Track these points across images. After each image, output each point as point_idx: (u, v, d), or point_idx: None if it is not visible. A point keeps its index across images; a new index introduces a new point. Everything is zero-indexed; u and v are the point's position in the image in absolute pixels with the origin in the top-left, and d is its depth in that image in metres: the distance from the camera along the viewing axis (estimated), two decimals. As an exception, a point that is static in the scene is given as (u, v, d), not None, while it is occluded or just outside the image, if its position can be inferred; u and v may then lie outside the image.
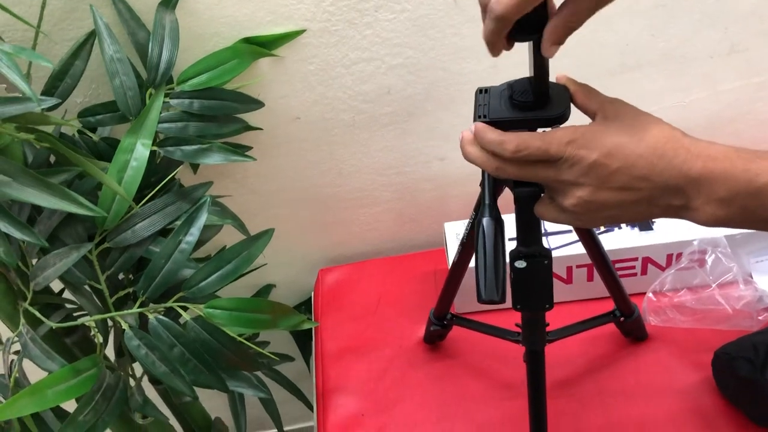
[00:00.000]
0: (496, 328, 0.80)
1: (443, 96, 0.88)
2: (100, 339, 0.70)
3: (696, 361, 0.81)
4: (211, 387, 0.71)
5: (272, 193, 0.95)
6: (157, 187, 0.71)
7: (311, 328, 1.00)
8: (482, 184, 0.58)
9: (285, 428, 1.04)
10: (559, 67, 0.89)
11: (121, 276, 0.77)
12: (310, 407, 0.98)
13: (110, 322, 0.75)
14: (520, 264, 0.59)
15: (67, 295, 0.77)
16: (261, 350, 0.71)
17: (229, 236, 0.83)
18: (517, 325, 0.78)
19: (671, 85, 0.89)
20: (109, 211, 0.68)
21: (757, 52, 0.87)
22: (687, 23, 0.83)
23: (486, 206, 0.55)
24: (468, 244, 0.72)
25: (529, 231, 0.60)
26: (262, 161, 0.91)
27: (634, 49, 0.85)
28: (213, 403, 1.03)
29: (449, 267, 0.85)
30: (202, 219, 0.69)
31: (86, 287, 0.71)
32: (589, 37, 0.83)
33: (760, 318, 0.78)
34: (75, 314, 0.77)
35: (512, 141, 0.52)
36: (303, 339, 1.08)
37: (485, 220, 0.54)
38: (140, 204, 0.70)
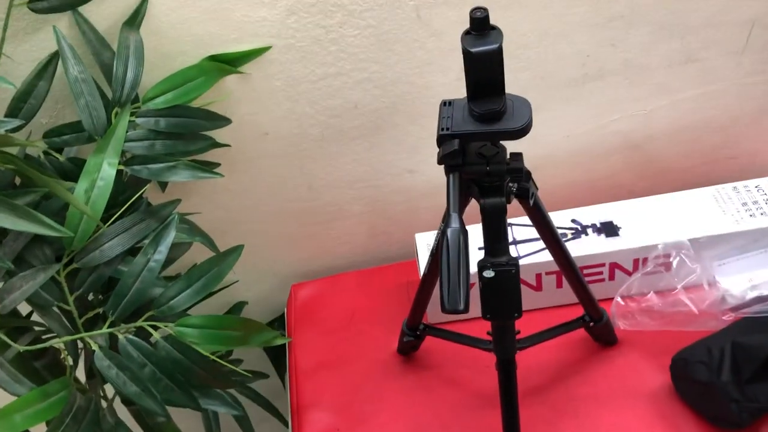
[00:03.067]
0: (467, 336, 0.81)
1: (410, 109, 0.88)
2: (69, 361, 0.69)
3: (665, 364, 0.82)
4: (183, 406, 0.70)
5: (242, 209, 0.95)
6: (125, 206, 0.71)
7: (285, 345, 1.00)
8: (447, 195, 0.59)
9: (261, 447, 1.03)
10: (521, 79, 0.91)
11: (90, 297, 0.77)
12: (286, 424, 0.98)
13: (80, 344, 0.74)
14: (489, 273, 0.60)
15: (35, 317, 0.76)
16: (233, 367, 0.71)
17: (200, 255, 0.83)
18: (488, 333, 0.79)
19: (633, 94, 0.91)
20: (77, 231, 0.67)
21: (711, 62, 0.89)
22: (645, 33, 0.85)
23: (450, 216, 0.56)
24: (438, 254, 0.72)
25: (497, 241, 0.61)
26: (232, 177, 0.91)
27: (596, 60, 0.87)
28: (187, 423, 1.02)
29: (420, 277, 0.86)
30: (170, 236, 0.68)
31: (55, 309, 0.71)
32: (550, 50, 0.85)
33: (724, 318, 0.80)
34: (43, 337, 0.76)
35: None
36: (277, 356, 1.07)
37: (449, 231, 0.55)
38: (108, 224, 0.70)
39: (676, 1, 0.83)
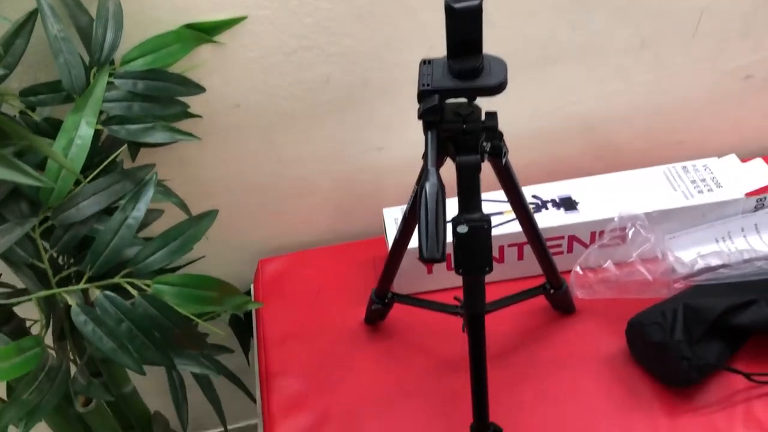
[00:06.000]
0: (435, 302, 0.84)
1: (380, 85, 0.91)
2: (42, 319, 0.69)
3: (619, 331, 0.86)
4: (158, 364, 0.71)
5: (211, 181, 0.96)
6: (101, 167, 0.71)
7: (251, 321, 1.01)
8: (425, 154, 0.61)
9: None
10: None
11: (61, 261, 0.77)
12: (253, 399, 0.98)
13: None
14: (462, 229, 0.63)
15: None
16: (208, 326, 0.72)
17: (169, 224, 0.83)
18: (455, 298, 0.82)
19: (590, 78, 0.96)
20: (53, 188, 0.67)
21: (664, 48, 0.95)
22: (602, 18, 0.90)
23: (428, 172, 0.58)
24: (410, 218, 0.75)
25: (470, 198, 0.64)
26: (202, 149, 0.92)
27: (556, 43, 0.91)
28: (150, 400, 1.02)
29: (389, 247, 0.88)
30: (149, 194, 0.69)
31: (27, 268, 0.70)
32: (515, 29, 0.89)
33: (675, 286, 0.85)
34: (11, 300, 0.76)
35: None
36: (242, 332, 1.08)
37: (428, 184, 0.57)
38: (84, 182, 0.70)
39: (632, -12, 0.88)
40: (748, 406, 0.79)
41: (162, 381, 1.00)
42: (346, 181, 1.00)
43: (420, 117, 0.60)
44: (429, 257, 0.56)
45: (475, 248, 0.64)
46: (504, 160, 0.66)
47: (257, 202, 1.00)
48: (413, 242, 0.80)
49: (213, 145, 0.92)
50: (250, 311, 1.04)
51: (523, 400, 0.82)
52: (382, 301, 0.87)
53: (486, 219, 0.63)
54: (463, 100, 0.62)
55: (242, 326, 1.06)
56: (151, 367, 1.04)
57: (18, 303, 0.67)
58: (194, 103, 0.84)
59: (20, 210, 0.67)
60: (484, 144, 0.63)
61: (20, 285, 0.78)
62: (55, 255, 0.72)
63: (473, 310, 0.69)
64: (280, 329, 0.94)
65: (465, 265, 0.65)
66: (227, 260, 1.05)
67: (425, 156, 0.60)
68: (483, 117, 0.63)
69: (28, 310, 0.80)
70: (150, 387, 1.02)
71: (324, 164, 0.98)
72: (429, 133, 0.61)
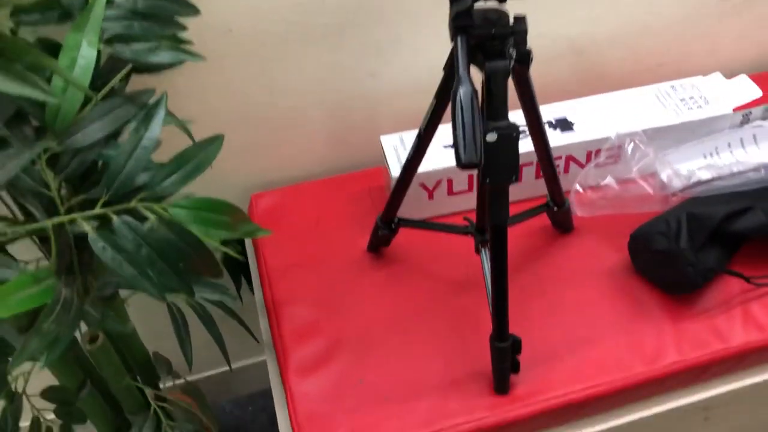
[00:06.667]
0: (445, 224, 0.84)
1: (375, 7, 0.89)
2: (54, 250, 0.66)
3: (619, 246, 0.89)
4: (178, 291, 0.69)
5: (201, 113, 0.92)
6: (107, 87, 0.68)
7: (246, 260, 1.00)
8: (453, 62, 0.60)
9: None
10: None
11: (62, 191, 0.73)
12: (254, 336, 0.97)
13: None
14: (492, 137, 0.63)
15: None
16: (227, 249, 0.70)
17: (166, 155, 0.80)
18: (465, 218, 0.83)
19: (579, -1, 0.96)
20: (59, 109, 0.63)
21: (651, -33, 0.96)
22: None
23: (461, 78, 0.58)
24: (426, 135, 0.74)
25: (498, 106, 0.63)
26: (192, 78, 0.89)
27: (550, -39, 0.91)
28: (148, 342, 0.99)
29: (391, 174, 0.88)
30: (161, 114, 0.66)
31: (31, 196, 0.67)
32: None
33: (673, 199, 0.88)
34: (13, 229, 0.72)
35: None
36: (236, 272, 1.06)
37: (462, 90, 0.57)
38: (98, 97, 0.67)
39: None
40: (746, 307, 0.83)
41: (157, 325, 0.98)
42: (340, 109, 0.98)
43: (452, 20, 0.59)
44: (467, 161, 0.56)
45: (503, 157, 0.64)
46: (531, 65, 0.65)
47: (249, 135, 0.97)
48: (420, 167, 0.79)
49: (204, 74, 0.89)
50: (245, 249, 1.02)
51: (531, 314, 0.84)
52: (388, 226, 0.86)
53: (514, 127, 0.63)
54: (490, 5, 0.61)
55: (236, 267, 1.04)
56: (146, 309, 1.02)
57: (33, 231, 0.64)
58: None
59: (23, 135, 0.63)
60: (511, 50, 0.63)
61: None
62: (59, 184, 0.68)
63: (498, 221, 0.69)
64: (282, 261, 0.93)
65: (493, 174, 0.65)
66: (217, 196, 1.02)
67: (455, 63, 0.60)
68: (512, 22, 0.62)
69: (18, 251, 0.76)
70: (146, 331, 0.99)
71: (317, 93, 0.96)
72: (459, 39, 0.60)
